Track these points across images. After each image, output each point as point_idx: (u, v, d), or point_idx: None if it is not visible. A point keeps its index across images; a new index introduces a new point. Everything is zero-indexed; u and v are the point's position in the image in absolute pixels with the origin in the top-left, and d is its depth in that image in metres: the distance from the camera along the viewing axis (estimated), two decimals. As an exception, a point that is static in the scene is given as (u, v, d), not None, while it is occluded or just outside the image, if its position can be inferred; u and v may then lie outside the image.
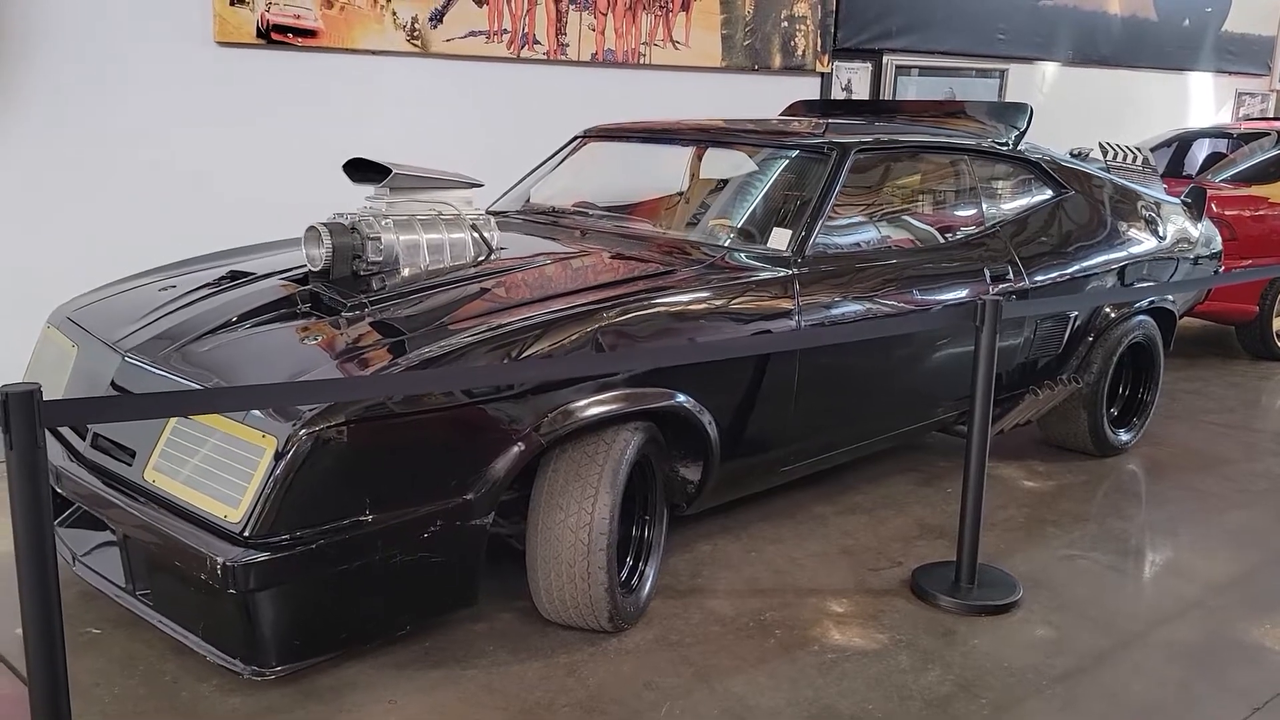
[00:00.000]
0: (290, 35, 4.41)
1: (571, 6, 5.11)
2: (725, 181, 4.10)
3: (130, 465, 2.63)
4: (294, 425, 2.34)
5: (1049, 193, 4.33)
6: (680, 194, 4.35)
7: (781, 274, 3.28)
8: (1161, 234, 4.72)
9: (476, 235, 3.33)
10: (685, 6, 5.49)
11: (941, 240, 3.92)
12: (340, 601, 2.45)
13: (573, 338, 2.73)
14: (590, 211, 4.05)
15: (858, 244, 3.62)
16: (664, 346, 2.88)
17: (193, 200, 4.38)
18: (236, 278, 3.24)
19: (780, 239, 3.40)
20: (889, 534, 3.69)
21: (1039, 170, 4.33)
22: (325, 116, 4.61)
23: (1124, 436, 4.59)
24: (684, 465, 3.19)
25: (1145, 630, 3.08)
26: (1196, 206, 5.14)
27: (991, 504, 3.98)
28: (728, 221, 3.67)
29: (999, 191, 4.19)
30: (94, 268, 4.11)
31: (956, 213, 4.05)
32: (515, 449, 2.61)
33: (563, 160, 4.44)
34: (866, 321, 3.43)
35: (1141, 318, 4.49)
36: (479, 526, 2.58)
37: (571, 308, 2.82)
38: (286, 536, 2.34)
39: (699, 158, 4.45)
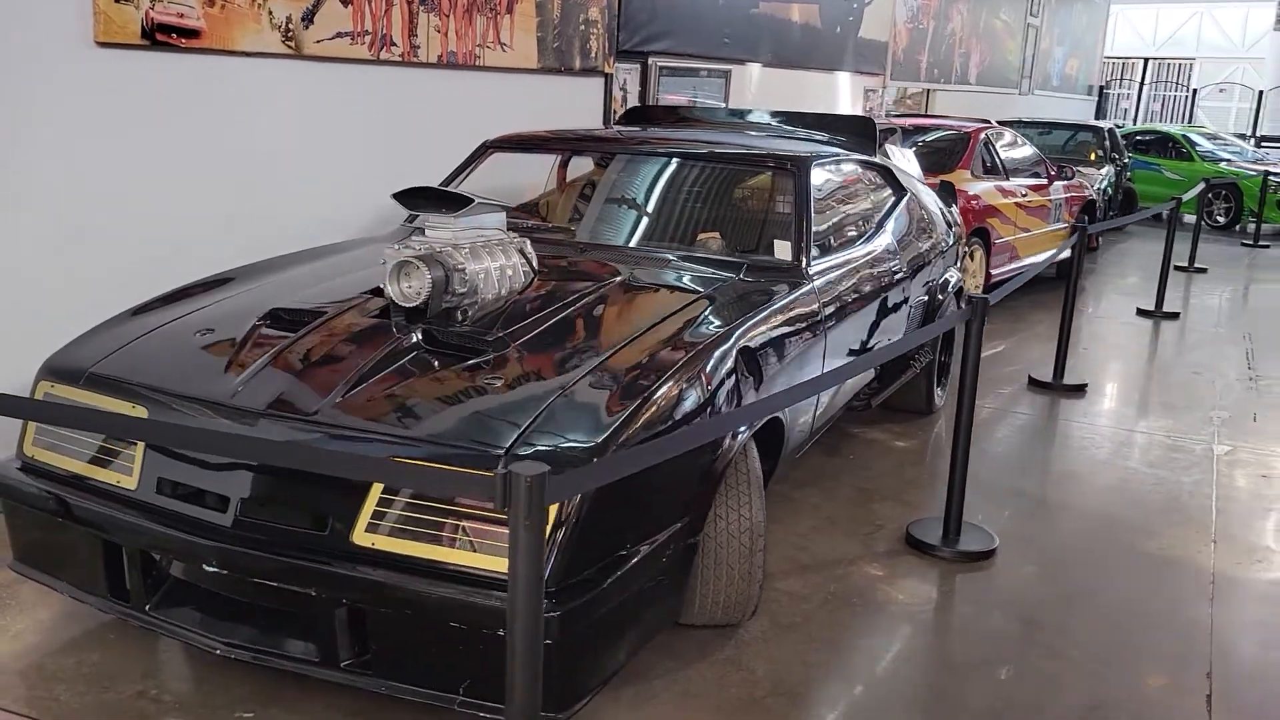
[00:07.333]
0: (174, 35, 3.96)
1: (421, 7, 5.01)
2: (654, 192, 4.35)
3: (324, 533, 2.46)
4: (570, 472, 2.36)
5: (897, 194, 5.04)
6: (600, 201, 4.52)
7: (803, 284, 3.63)
8: (950, 221, 5.65)
9: (523, 259, 3.35)
10: (509, 9, 5.56)
11: (861, 237, 4.46)
12: (611, 633, 2.51)
13: (728, 363, 2.94)
14: (571, 226, 4.12)
15: (831, 246, 4.04)
16: (840, 367, 3.33)
17: (67, 211, 3.81)
18: (279, 318, 3.02)
19: (783, 250, 3.75)
20: (847, 502, 4.21)
21: (890, 176, 5.03)
22: (204, 120, 4.19)
23: (940, 395, 5.48)
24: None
25: (1094, 554, 3.87)
26: (949, 198, 6.17)
27: (888, 467, 4.64)
28: (717, 235, 3.95)
29: (882, 194, 4.83)
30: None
31: (867, 213, 4.62)
32: (714, 470, 2.78)
33: (470, 171, 4.42)
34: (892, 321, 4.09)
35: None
36: (694, 544, 2.74)
37: (715, 336, 2.99)
38: (576, 581, 2.37)
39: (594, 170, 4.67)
